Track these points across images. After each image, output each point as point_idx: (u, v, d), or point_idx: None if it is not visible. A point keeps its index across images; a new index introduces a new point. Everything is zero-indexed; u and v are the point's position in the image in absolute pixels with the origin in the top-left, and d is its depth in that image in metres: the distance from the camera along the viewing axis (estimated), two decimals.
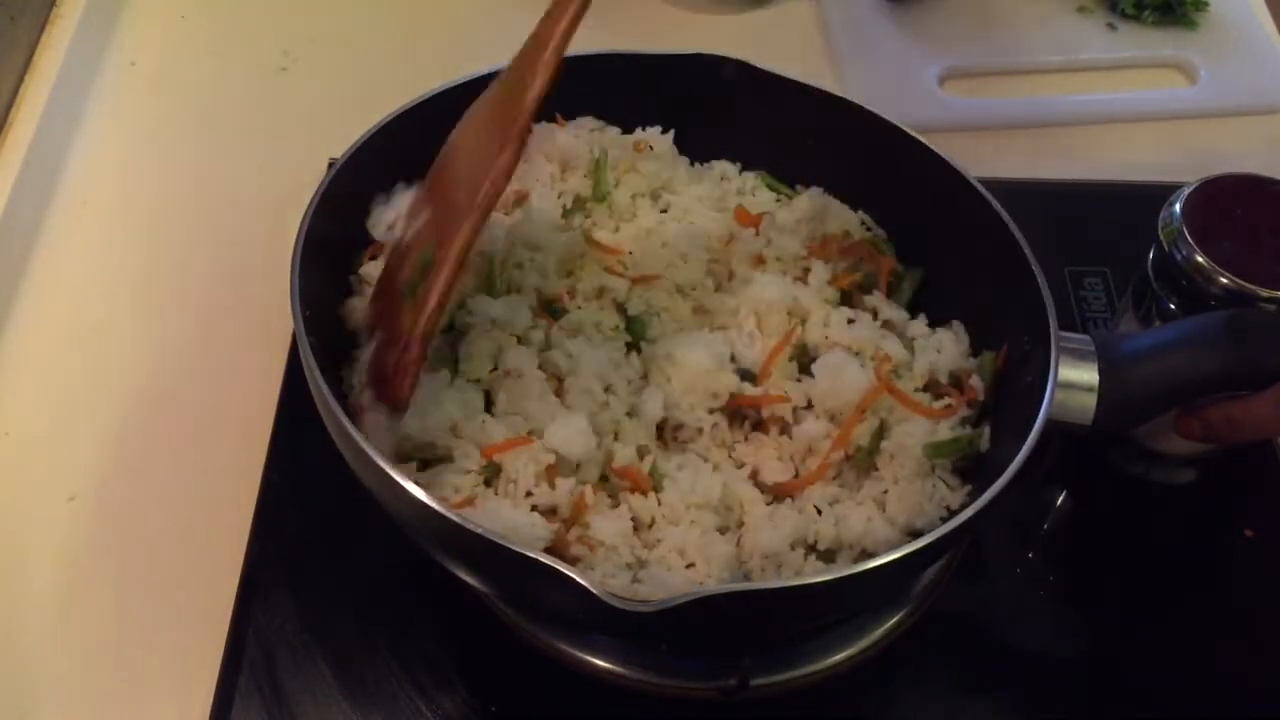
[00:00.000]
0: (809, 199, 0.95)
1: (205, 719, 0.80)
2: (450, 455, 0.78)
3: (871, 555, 0.75)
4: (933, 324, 0.89)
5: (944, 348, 0.87)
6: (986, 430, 0.81)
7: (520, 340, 0.83)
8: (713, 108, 0.94)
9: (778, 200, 0.96)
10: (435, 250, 0.74)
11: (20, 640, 0.84)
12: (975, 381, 0.84)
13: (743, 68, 0.91)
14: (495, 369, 0.82)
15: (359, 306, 0.85)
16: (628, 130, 0.95)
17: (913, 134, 0.88)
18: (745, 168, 0.97)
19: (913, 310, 0.90)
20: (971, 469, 0.82)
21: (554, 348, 0.83)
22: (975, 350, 0.87)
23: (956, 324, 0.88)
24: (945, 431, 0.82)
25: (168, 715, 0.82)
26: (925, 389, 0.85)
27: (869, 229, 0.94)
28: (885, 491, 0.80)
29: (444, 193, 0.78)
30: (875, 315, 0.89)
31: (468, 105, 0.90)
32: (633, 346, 0.86)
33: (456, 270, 0.73)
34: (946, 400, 0.83)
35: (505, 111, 0.74)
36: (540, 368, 0.82)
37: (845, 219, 0.94)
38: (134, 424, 0.94)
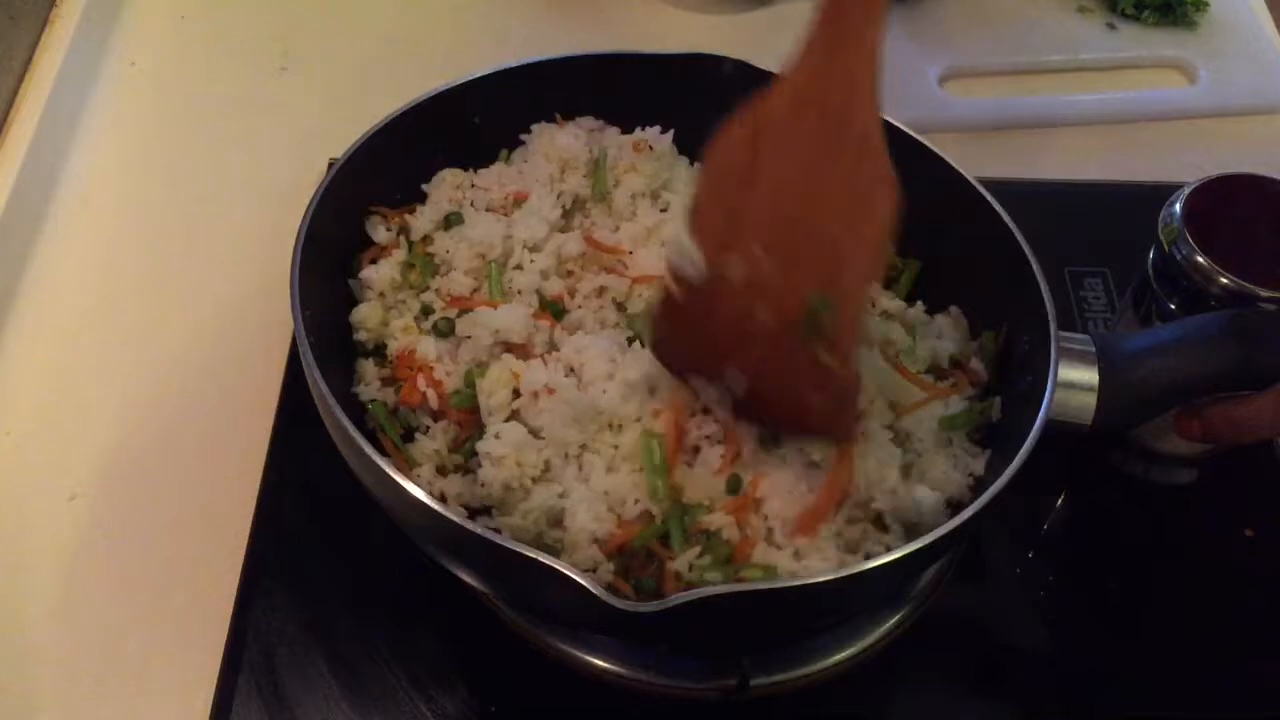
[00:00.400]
0: None
1: (205, 719, 0.80)
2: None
3: (916, 526, 0.76)
4: (930, 312, 0.89)
5: (944, 333, 0.87)
6: (997, 400, 0.82)
7: (524, 348, 0.83)
8: (713, 108, 0.93)
9: None
10: (828, 295, 0.72)
11: (21, 639, 0.84)
12: (976, 364, 0.84)
13: (743, 68, 0.91)
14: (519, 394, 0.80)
15: (366, 313, 0.85)
16: (628, 130, 0.95)
17: (913, 134, 0.88)
18: None
19: (910, 303, 0.90)
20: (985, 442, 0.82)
21: (561, 347, 0.83)
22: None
23: (954, 309, 0.88)
24: (957, 404, 0.82)
25: (168, 715, 0.82)
26: (927, 373, 0.85)
27: None
28: (910, 465, 0.80)
29: (778, 232, 0.74)
30: (873, 305, 0.89)
31: (467, 105, 0.90)
32: (634, 342, 0.85)
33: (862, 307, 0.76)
34: (951, 381, 0.84)
35: (837, 131, 0.73)
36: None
37: None
38: (134, 424, 0.94)
